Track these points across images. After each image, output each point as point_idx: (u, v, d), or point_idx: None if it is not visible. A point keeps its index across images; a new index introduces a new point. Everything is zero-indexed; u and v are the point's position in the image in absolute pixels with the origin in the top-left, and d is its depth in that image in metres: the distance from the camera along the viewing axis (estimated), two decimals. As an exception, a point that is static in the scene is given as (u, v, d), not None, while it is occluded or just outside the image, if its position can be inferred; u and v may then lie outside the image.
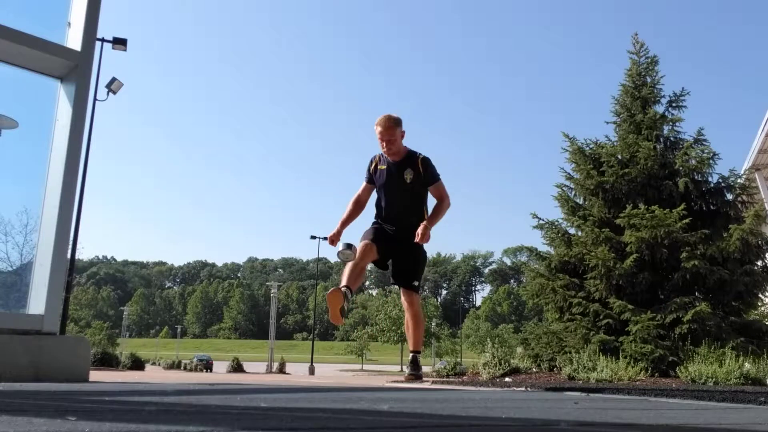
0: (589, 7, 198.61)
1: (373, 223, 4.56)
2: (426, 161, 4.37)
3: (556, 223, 9.70)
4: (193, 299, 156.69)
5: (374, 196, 4.54)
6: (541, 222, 9.70)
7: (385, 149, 4.32)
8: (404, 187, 4.36)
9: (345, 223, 4.44)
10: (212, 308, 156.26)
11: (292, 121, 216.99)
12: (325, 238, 4.45)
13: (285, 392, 2.93)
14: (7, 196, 3.62)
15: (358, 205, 4.50)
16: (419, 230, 4.24)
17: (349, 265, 4.23)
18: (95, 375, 3.98)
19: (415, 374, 4.45)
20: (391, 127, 4.26)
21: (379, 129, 4.29)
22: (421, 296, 4.66)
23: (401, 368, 52.66)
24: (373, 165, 4.45)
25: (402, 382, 4.58)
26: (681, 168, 9.11)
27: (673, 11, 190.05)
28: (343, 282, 4.25)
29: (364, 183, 4.53)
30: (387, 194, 4.44)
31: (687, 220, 8.21)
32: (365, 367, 67.26)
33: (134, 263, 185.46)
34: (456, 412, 2.07)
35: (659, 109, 9.89)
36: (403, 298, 4.39)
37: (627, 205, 8.75)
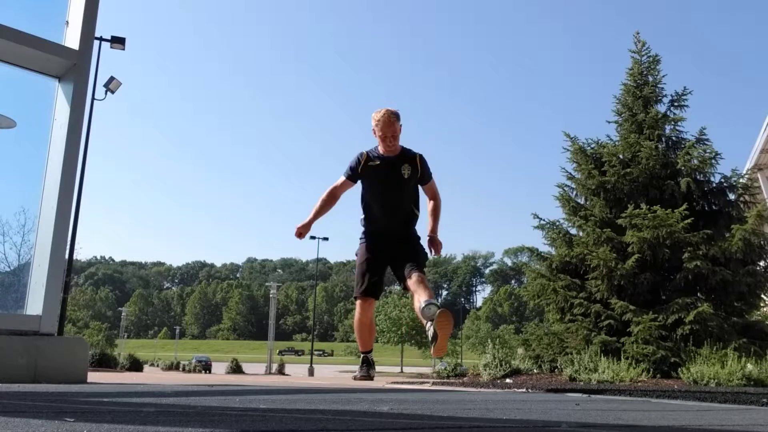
0: (590, 6, 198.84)
1: (364, 244, 4.21)
2: (423, 159, 4.24)
3: (557, 223, 9.69)
4: (191, 300, 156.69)
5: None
6: (542, 222, 9.69)
7: (384, 146, 4.11)
8: (401, 184, 4.16)
9: (318, 216, 4.21)
10: (211, 309, 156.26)
11: (291, 122, 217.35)
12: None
13: (284, 393, 2.91)
14: (4, 196, 3.61)
15: (333, 200, 4.23)
16: (434, 244, 4.24)
17: (361, 328, 4.19)
18: (93, 376, 3.97)
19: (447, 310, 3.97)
20: (394, 122, 4.07)
21: (380, 125, 4.06)
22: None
23: (401, 369, 52.64)
24: (362, 163, 4.16)
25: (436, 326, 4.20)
26: (683, 168, 9.10)
27: (674, 10, 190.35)
28: (364, 347, 4.31)
29: (344, 178, 4.20)
30: (383, 191, 4.18)
31: (689, 221, 8.19)
32: (365, 368, 67.03)
33: (132, 264, 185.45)
34: (456, 413, 2.05)
35: (661, 108, 9.88)
36: (414, 280, 3.99)
37: (629, 205, 8.74)
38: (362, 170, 4.16)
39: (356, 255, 4.29)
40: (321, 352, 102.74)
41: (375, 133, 4.14)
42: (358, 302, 4.16)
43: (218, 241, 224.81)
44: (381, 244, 4.19)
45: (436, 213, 4.34)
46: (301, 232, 4.12)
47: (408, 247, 4.19)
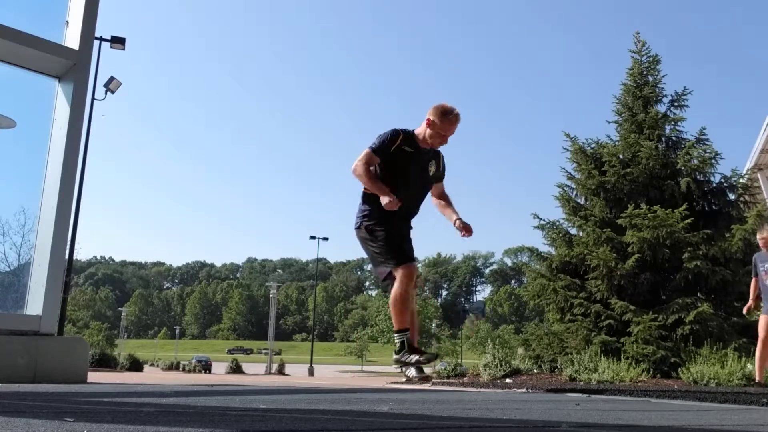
0: (590, 6, 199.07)
1: (379, 220, 3.80)
2: (443, 158, 4.13)
3: (557, 223, 9.70)
4: (191, 300, 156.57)
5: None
6: (542, 222, 9.70)
7: (436, 142, 3.89)
8: (424, 182, 4.01)
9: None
10: (211, 309, 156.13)
11: (291, 123, 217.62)
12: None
13: (284, 393, 2.91)
14: (4, 196, 3.61)
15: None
16: (466, 228, 3.98)
17: (405, 301, 3.78)
18: (93, 376, 3.96)
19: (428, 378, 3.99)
20: (457, 125, 3.95)
21: (447, 123, 3.85)
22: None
23: (401, 369, 52.48)
24: (397, 143, 3.83)
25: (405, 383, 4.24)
26: (683, 168, 9.10)
27: (674, 10, 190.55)
28: (403, 324, 3.85)
29: (372, 154, 3.80)
30: (409, 181, 3.92)
31: (689, 221, 8.20)
32: (365, 368, 67.28)
33: (132, 264, 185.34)
34: (456, 413, 2.05)
35: (661, 108, 9.89)
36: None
37: (629, 205, 8.74)
38: (394, 150, 3.84)
39: (365, 230, 3.86)
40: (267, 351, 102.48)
41: (434, 124, 3.88)
42: (400, 272, 3.71)
43: (218, 241, 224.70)
44: (391, 218, 3.83)
45: (451, 203, 4.17)
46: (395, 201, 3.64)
47: (411, 243, 4.02)
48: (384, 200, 3.61)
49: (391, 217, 3.82)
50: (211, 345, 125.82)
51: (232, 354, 74.07)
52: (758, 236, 5.92)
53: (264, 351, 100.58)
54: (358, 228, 3.91)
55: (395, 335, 3.93)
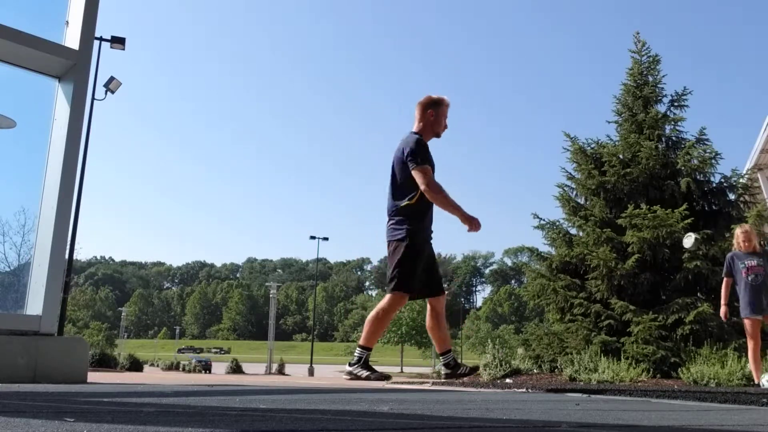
0: (590, 6, 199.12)
1: (417, 240, 3.85)
2: None
3: (557, 223, 9.71)
4: (191, 300, 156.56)
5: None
6: (542, 222, 9.70)
7: (440, 133, 4.05)
8: None
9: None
10: (211, 309, 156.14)
11: (291, 123, 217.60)
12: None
13: (284, 393, 2.91)
14: (4, 196, 3.60)
15: None
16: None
17: (385, 323, 3.92)
18: (93, 376, 3.96)
19: (468, 368, 4.19)
20: None
21: (446, 112, 4.08)
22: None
23: (401, 369, 52.61)
24: (428, 148, 3.94)
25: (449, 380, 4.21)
26: (683, 168, 9.11)
27: (674, 10, 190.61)
28: (373, 342, 3.96)
29: (429, 168, 3.84)
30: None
31: (689, 221, 8.20)
32: (365, 367, 67.09)
33: (132, 264, 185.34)
34: (456, 413, 2.05)
35: (661, 108, 9.90)
36: (434, 304, 3.98)
37: (629, 205, 8.75)
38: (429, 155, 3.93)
39: (405, 246, 3.84)
40: (219, 350, 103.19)
41: (437, 114, 4.02)
42: (396, 297, 3.87)
43: (218, 241, 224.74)
44: (427, 242, 3.96)
45: None
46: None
47: (435, 260, 4.09)
48: (469, 222, 3.79)
49: (426, 236, 3.95)
50: (211, 345, 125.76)
51: (183, 353, 74.93)
52: (738, 231, 5.76)
53: (214, 350, 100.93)
54: (400, 240, 3.86)
55: (358, 348, 4.01)
